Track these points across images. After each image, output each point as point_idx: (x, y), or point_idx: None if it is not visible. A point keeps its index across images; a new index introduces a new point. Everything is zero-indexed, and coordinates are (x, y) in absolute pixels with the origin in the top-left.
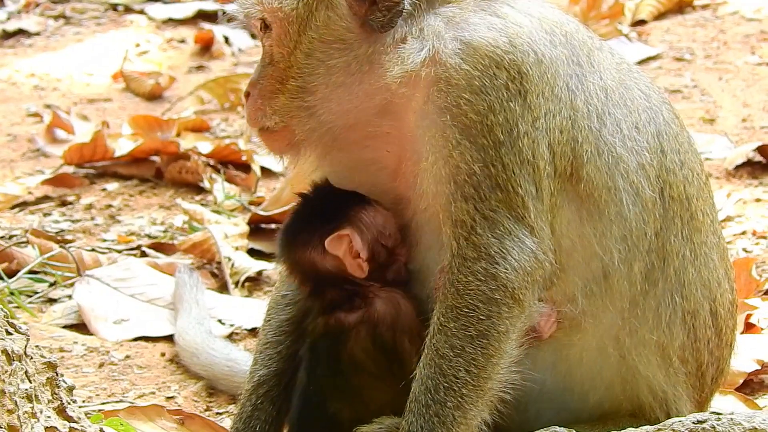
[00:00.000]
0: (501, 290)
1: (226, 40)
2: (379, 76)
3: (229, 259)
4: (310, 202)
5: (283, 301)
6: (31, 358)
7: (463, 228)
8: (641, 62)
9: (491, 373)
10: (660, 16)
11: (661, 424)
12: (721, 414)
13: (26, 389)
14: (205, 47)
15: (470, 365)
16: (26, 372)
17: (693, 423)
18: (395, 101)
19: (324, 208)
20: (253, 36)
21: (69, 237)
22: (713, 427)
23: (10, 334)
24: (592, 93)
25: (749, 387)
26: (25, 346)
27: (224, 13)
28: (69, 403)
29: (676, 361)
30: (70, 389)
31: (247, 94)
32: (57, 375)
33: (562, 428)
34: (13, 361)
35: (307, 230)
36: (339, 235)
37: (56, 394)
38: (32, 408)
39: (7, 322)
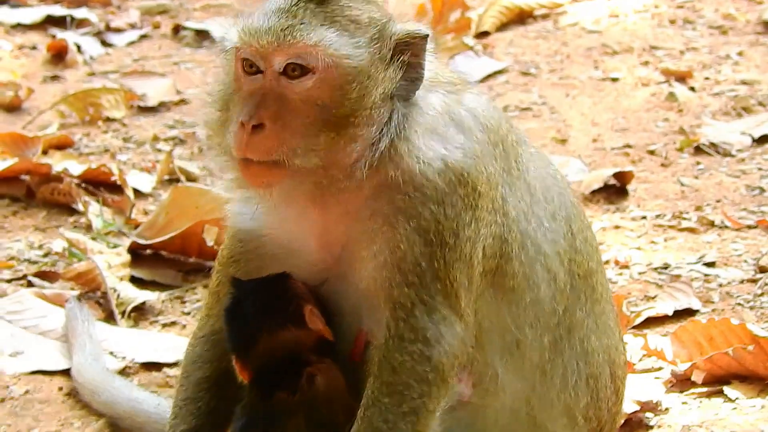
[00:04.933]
0: (433, 372)
1: (78, 48)
2: (377, 149)
3: (115, 290)
4: (246, 295)
5: (200, 360)
6: None
7: (403, 311)
8: (489, 77)
9: None
10: (502, 26)
11: None
12: None
13: None
14: (58, 55)
15: None
16: None
17: None
18: (357, 178)
19: (265, 295)
20: (104, 43)
21: None
22: None
23: None
24: (519, 197)
25: (629, 426)
26: None
27: (73, 19)
28: None
29: (581, 420)
30: None
31: (259, 125)
32: None
33: None
34: None
35: (264, 319)
36: (309, 310)
37: None
38: None
39: None
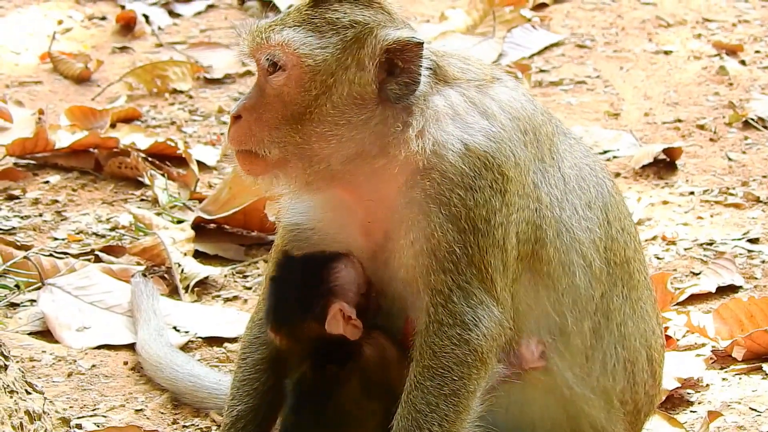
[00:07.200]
0: (472, 354)
1: (147, 18)
2: (383, 144)
3: (179, 265)
4: (289, 277)
5: (257, 342)
6: (48, 414)
7: (441, 296)
8: (545, 49)
9: (459, 428)
10: None
11: None
12: None
13: None
14: (127, 26)
15: (443, 420)
16: (46, 430)
17: None
18: (387, 171)
19: (305, 281)
20: (171, 14)
21: (21, 235)
22: None
23: (29, 393)
24: (553, 185)
25: (671, 402)
26: (43, 405)
27: None
28: None
29: (617, 404)
30: None
31: (238, 117)
32: (70, 428)
33: None
34: (35, 420)
35: (298, 308)
36: (333, 313)
37: None
38: None
39: (26, 381)
